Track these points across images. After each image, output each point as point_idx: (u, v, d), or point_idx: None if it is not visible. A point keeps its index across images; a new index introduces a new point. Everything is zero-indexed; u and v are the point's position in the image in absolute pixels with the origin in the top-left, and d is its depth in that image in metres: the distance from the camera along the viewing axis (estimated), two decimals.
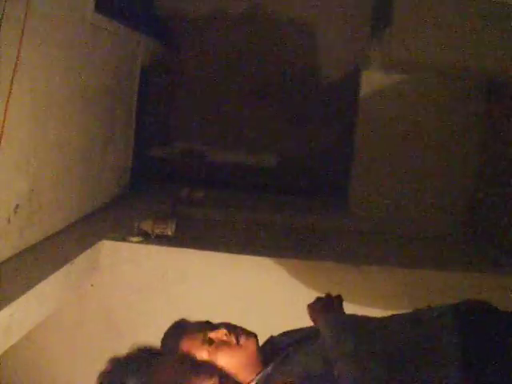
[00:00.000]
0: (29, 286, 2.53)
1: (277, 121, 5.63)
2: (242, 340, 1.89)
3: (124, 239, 3.46)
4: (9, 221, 2.77)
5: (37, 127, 3.00)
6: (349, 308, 2.11)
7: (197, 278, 3.38)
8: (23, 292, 2.47)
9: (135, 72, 4.79)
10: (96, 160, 3.98)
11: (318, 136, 5.53)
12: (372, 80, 4.43)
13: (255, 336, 1.94)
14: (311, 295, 3.01)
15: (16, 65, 2.61)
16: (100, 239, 3.40)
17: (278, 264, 3.32)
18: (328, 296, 2.20)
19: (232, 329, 1.92)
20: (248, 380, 1.84)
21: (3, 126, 2.56)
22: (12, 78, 2.59)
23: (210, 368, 1.81)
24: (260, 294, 3.35)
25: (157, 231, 3.51)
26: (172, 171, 5.50)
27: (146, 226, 3.52)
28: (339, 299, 2.18)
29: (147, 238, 3.48)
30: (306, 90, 5.61)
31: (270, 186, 5.33)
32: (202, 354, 1.83)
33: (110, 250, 3.42)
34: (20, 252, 2.92)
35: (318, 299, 2.20)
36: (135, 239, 3.46)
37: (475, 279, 3.36)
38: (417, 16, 4.13)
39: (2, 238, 2.74)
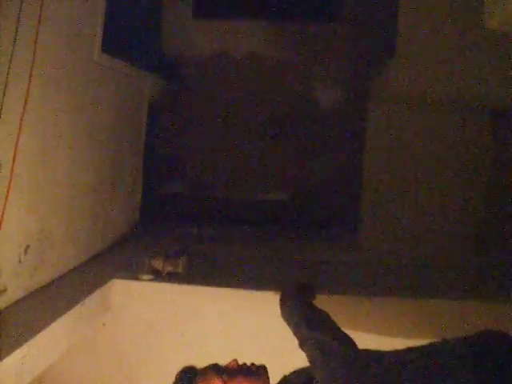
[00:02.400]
0: (40, 328, 2.52)
1: (285, 156, 5.66)
2: (254, 368, 1.98)
3: (135, 278, 3.45)
4: (20, 261, 2.77)
5: (46, 168, 3.01)
6: (362, 339, 2.09)
7: (209, 315, 3.36)
8: (35, 333, 2.46)
9: (142, 110, 4.83)
10: (105, 198, 3.99)
11: (327, 169, 5.55)
12: (378, 112, 4.44)
13: (265, 367, 2.01)
14: None
15: (25, 106, 2.64)
16: (111, 278, 3.39)
17: None
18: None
19: (242, 363, 2.00)
20: None
21: (13, 168, 2.57)
22: (21, 119, 2.62)
23: None
24: (273, 330, 3.31)
25: (168, 269, 3.49)
26: (182, 208, 5.50)
27: (157, 263, 3.50)
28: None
29: (158, 275, 3.46)
30: (314, 125, 5.64)
31: (279, 220, 5.33)
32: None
33: (121, 289, 3.41)
34: (31, 293, 2.92)
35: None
36: (146, 277, 3.44)
37: (490, 308, 3.32)
38: (420, 48, 4.16)
39: (14, 279, 2.74)
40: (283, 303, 2.56)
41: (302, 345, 2.08)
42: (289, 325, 2.34)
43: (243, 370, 1.96)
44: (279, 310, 2.56)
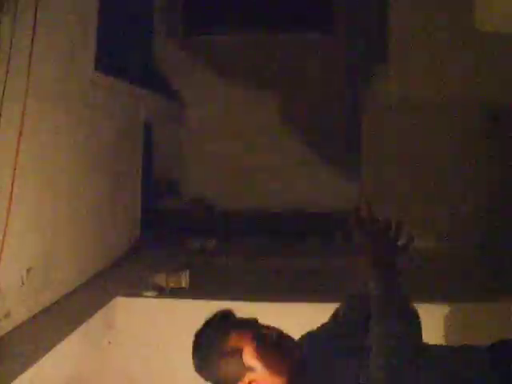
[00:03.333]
0: (46, 350, 2.50)
1: (284, 167, 5.67)
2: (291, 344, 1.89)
3: (138, 294, 3.43)
4: (22, 284, 2.76)
5: (45, 188, 3.01)
6: None
7: None
8: (41, 355, 2.44)
9: (138, 126, 4.82)
10: (105, 216, 3.98)
11: (327, 176, 5.55)
12: (372, 119, 4.44)
13: (300, 347, 1.91)
14: None
15: (21, 127, 2.63)
16: (114, 296, 3.37)
17: (297, 309, 3.28)
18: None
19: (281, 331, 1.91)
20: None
21: (12, 189, 2.56)
22: (18, 140, 2.61)
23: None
24: None
25: (171, 284, 3.48)
26: (182, 222, 5.48)
27: (160, 279, 3.49)
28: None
29: (162, 291, 3.45)
30: (313, 133, 5.66)
31: (280, 230, 5.31)
32: (249, 350, 1.80)
33: (124, 307, 3.39)
34: (35, 314, 2.90)
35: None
36: (150, 294, 3.42)
37: (494, 311, 3.30)
38: (412, 51, 4.17)
39: (17, 302, 2.72)
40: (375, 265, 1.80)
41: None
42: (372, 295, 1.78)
43: (279, 346, 1.85)
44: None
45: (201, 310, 3.35)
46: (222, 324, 1.94)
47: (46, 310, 3.01)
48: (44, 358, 2.45)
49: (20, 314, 2.76)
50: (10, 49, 2.52)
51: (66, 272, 3.31)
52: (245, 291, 3.53)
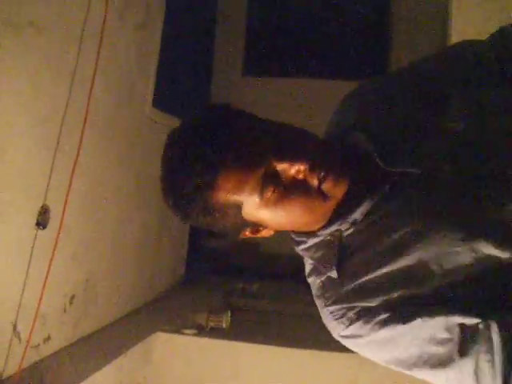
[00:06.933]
0: (81, 377, 2.51)
1: None
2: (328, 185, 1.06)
3: (178, 331, 3.42)
4: (65, 311, 2.78)
5: (93, 219, 3.05)
6: None
7: (251, 372, 3.29)
8: (76, 383, 2.45)
9: None
10: (151, 251, 3.99)
11: None
12: None
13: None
14: None
15: (76, 158, 2.68)
16: (154, 331, 3.37)
17: (336, 358, 3.21)
18: None
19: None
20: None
21: (62, 218, 2.60)
22: (72, 170, 2.66)
23: None
24: None
25: (211, 324, 3.46)
26: (228, 262, 5.47)
27: (201, 318, 3.48)
28: None
29: (201, 330, 3.43)
30: None
31: None
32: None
33: (163, 343, 3.38)
34: (74, 342, 2.92)
35: None
36: (189, 332, 3.41)
37: None
38: None
39: (58, 328, 2.74)
40: None
41: None
42: None
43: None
44: None
45: (239, 352, 3.36)
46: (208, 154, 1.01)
47: (85, 339, 3.02)
48: None
49: (59, 341, 2.78)
50: (74, 75, 2.59)
51: (108, 303, 3.32)
52: (284, 336, 3.49)
